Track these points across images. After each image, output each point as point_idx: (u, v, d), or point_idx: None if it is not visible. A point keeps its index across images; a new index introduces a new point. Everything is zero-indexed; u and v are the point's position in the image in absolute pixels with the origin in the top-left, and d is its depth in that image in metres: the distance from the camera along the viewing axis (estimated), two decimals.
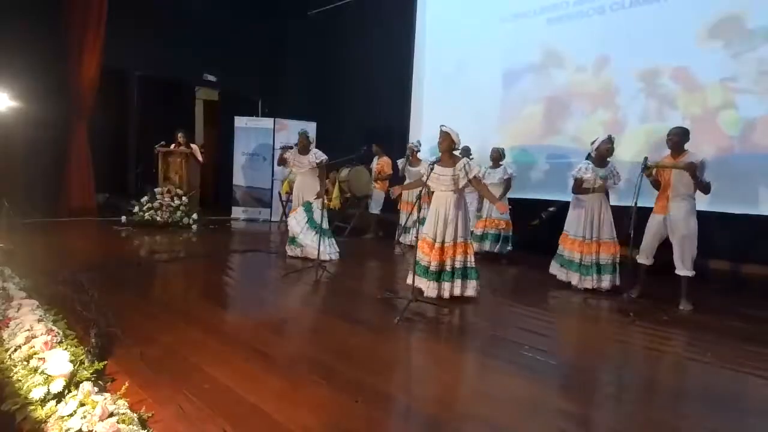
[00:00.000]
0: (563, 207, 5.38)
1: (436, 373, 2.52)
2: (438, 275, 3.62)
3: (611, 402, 2.23)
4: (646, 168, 3.71)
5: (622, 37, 5.71)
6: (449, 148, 3.65)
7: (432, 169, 3.58)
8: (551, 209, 5.44)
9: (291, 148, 5.17)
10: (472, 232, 4.87)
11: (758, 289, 4.59)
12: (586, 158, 4.32)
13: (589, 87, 6.01)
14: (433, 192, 3.84)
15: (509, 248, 5.57)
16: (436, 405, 2.09)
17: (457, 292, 3.62)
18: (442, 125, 3.67)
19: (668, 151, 3.86)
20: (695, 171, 3.55)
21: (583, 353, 2.97)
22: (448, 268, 3.62)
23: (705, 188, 3.65)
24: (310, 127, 8.92)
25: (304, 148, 5.05)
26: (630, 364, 2.82)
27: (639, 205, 3.57)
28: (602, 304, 3.91)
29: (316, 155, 4.97)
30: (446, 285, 3.61)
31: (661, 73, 5.40)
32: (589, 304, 3.91)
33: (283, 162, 5.21)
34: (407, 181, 6.34)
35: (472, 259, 3.71)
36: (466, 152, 5.86)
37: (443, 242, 3.64)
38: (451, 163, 3.63)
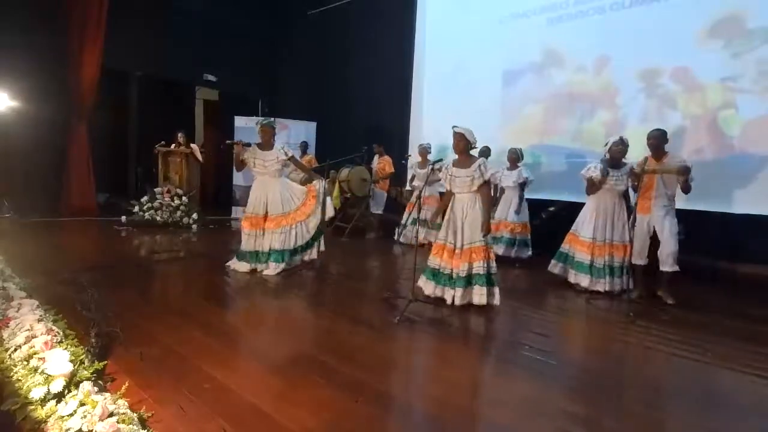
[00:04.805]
0: (563, 207, 5.39)
1: (437, 373, 2.52)
2: (461, 281, 3.39)
3: (612, 402, 2.22)
4: (642, 171, 3.73)
5: (622, 37, 5.70)
6: (466, 149, 3.48)
7: (447, 169, 3.50)
8: (551, 209, 5.43)
9: (244, 143, 4.35)
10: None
11: (758, 288, 4.58)
12: (601, 160, 4.22)
13: (589, 87, 6.00)
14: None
15: (529, 253, 5.28)
16: (437, 405, 2.09)
17: (478, 300, 3.38)
18: (454, 126, 3.50)
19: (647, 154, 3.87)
20: (689, 174, 3.59)
21: (583, 353, 2.98)
22: (463, 274, 3.39)
23: (689, 188, 3.70)
24: (310, 127, 8.95)
25: (267, 143, 4.28)
26: (630, 364, 2.82)
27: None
28: (603, 304, 3.90)
29: (285, 150, 4.33)
30: (458, 292, 3.38)
31: (661, 73, 5.39)
32: (591, 304, 3.90)
33: (241, 165, 4.36)
34: (416, 182, 6.36)
35: (493, 265, 3.46)
36: (485, 153, 5.80)
37: (462, 246, 3.43)
38: (467, 164, 3.45)
